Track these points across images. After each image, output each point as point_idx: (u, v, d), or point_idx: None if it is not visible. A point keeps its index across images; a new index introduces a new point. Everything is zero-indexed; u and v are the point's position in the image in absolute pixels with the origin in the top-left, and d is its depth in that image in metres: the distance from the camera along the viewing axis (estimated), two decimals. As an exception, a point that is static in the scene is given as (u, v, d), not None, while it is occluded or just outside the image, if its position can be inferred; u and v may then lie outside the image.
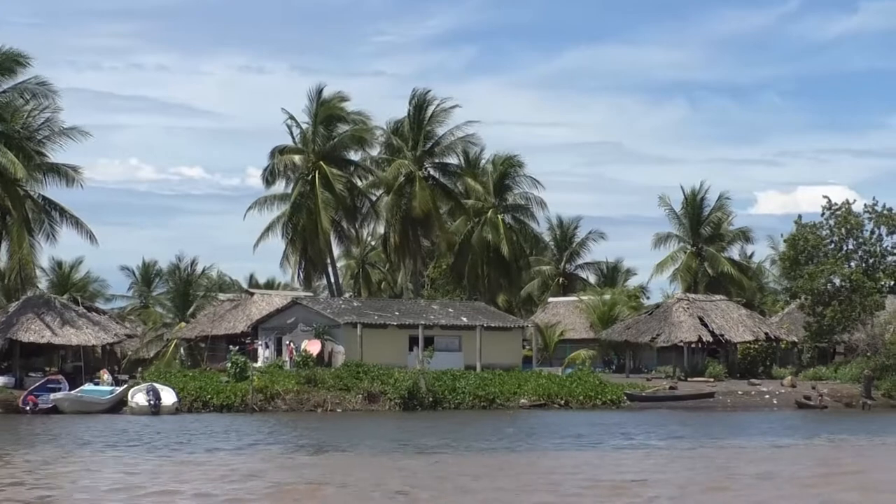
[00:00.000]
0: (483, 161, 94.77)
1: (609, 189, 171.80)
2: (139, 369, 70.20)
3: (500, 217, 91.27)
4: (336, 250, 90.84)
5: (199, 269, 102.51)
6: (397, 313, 72.34)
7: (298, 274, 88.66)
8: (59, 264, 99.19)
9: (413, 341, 69.93)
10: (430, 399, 63.48)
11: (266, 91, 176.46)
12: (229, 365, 62.93)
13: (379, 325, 70.00)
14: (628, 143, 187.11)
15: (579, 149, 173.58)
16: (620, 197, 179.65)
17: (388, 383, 63.13)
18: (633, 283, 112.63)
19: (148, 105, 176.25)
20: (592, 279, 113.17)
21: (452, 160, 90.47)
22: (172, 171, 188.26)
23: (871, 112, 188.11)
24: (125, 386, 59.97)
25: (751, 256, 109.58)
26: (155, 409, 55.98)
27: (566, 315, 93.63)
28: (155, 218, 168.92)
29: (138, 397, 56.94)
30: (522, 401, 65.69)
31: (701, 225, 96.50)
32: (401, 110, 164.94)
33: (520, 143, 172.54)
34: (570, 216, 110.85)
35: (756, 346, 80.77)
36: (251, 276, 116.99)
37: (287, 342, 70.06)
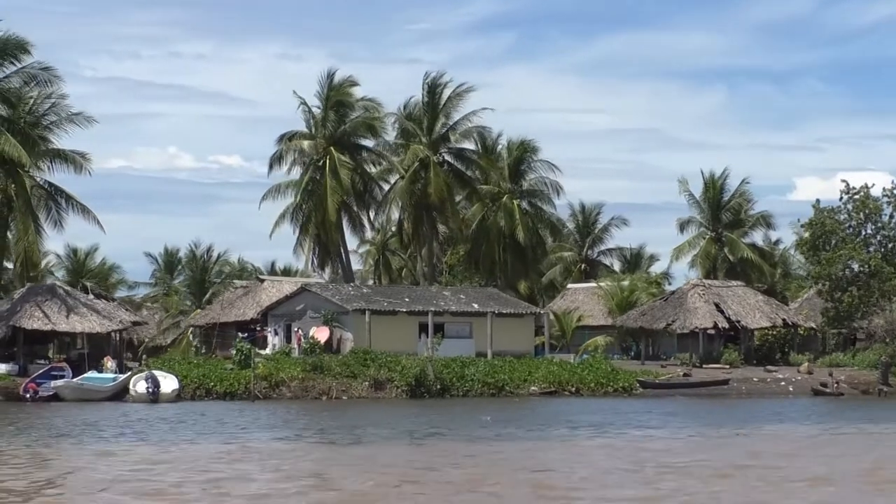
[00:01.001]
0: (500, 147, 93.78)
1: (648, 175, 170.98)
2: (143, 357, 69.69)
3: (515, 202, 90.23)
4: (351, 237, 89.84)
5: (214, 256, 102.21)
6: (407, 300, 71.54)
7: (312, 261, 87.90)
8: (74, 252, 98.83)
9: (423, 328, 69.14)
10: (438, 387, 62.74)
11: (303, 79, 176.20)
12: (234, 352, 62.29)
13: (388, 311, 69.22)
14: (668, 129, 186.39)
15: (619, 135, 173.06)
16: (659, 183, 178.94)
17: (395, 371, 62.39)
18: (656, 269, 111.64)
19: (186, 93, 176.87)
20: (616, 265, 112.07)
21: (469, 145, 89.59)
22: (211, 160, 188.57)
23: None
24: (128, 374, 59.40)
25: (776, 242, 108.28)
26: (154, 396, 55.39)
27: (585, 301, 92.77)
28: (195, 206, 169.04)
29: (139, 385, 56.36)
30: (533, 388, 64.88)
31: (721, 210, 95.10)
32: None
33: (558, 129, 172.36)
34: (593, 202, 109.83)
35: (774, 333, 79.72)
36: (272, 264, 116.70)
37: (296, 329, 69.39)
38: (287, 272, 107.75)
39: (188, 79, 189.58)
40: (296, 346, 68.09)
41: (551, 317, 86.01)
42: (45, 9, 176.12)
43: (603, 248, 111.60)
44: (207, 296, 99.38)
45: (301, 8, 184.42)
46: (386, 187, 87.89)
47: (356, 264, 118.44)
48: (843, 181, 77.08)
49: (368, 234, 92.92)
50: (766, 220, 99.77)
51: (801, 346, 79.02)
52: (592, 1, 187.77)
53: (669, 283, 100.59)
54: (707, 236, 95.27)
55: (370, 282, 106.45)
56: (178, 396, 56.99)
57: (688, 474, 29.05)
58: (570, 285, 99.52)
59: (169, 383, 56.95)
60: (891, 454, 34.94)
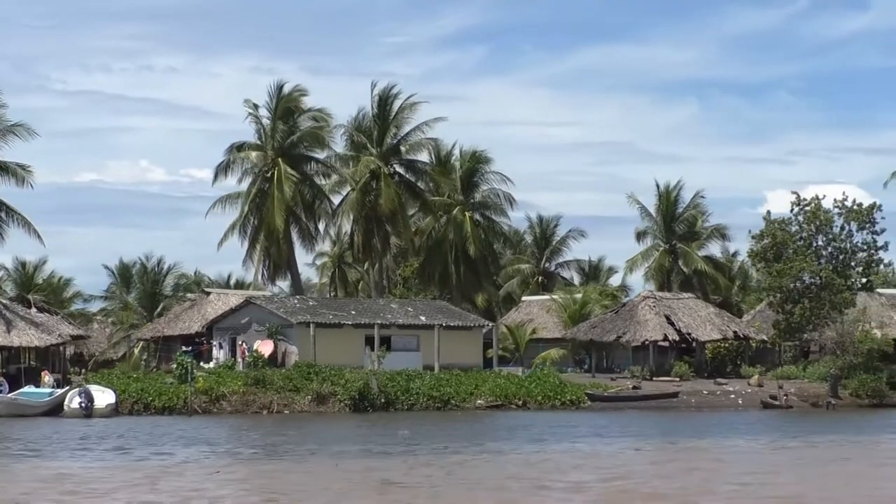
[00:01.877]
0: (453, 158, 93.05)
1: (620, 188, 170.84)
2: (84, 371, 68.60)
3: (467, 214, 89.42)
4: (303, 250, 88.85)
5: (165, 268, 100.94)
6: (353, 312, 70.74)
7: (263, 273, 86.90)
8: (23, 265, 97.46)
9: (369, 341, 68.31)
10: (382, 400, 61.92)
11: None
12: (174, 366, 61.31)
13: (333, 324, 68.42)
14: (640, 141, 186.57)
15: (590, 148, 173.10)
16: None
17: (338, 384, 61.53)
18: (615, 281, 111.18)
19: (158, 107, 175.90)
20: (576, 278, 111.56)
21: (423, 157, 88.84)
22: (183, 173, 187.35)
23: (883, 110, 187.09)
24: (65, 389, 58.31)
25: (734, 254, 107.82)
26: (87, 411, 54.38)
27: (539, 314, 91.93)
28: (166, 219, 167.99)
29: (73, 401, 55.33)
30: (479, 402, 64.18)
31: (675, 222, 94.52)
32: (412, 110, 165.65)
33: (531, 143, 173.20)
34: (552, 214, 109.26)
35: (727, 346, 79.24)
36: (229, 276, 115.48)
37: (240, 342, 68.49)
38: (240, 285, 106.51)
39: (160, 92, 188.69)
40: (240, 359, 67.18)
41: (503, 329, 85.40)
42: (16, 21, 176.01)
43: (561, 260, 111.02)
44: (159, 309, 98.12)
45: (274, 21, 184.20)
46: (338, 199, 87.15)
47: (313, 277, 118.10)
48: (794, 193, 76.70)
49: (320, 246, 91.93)
50: (720, 233, 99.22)
51: (757, 358, 78.59)
52: (565, 14, 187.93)
53: (627, 296, 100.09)
54: (661, 248, 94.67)
55: (328, 295, 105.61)
56: (114, 411, 55.96)
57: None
58: (524, 298, 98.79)
59: (105, 398, 55.94)
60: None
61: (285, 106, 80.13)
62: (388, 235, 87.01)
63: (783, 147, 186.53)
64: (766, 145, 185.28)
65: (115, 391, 57.46)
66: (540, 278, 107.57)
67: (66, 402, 55.64)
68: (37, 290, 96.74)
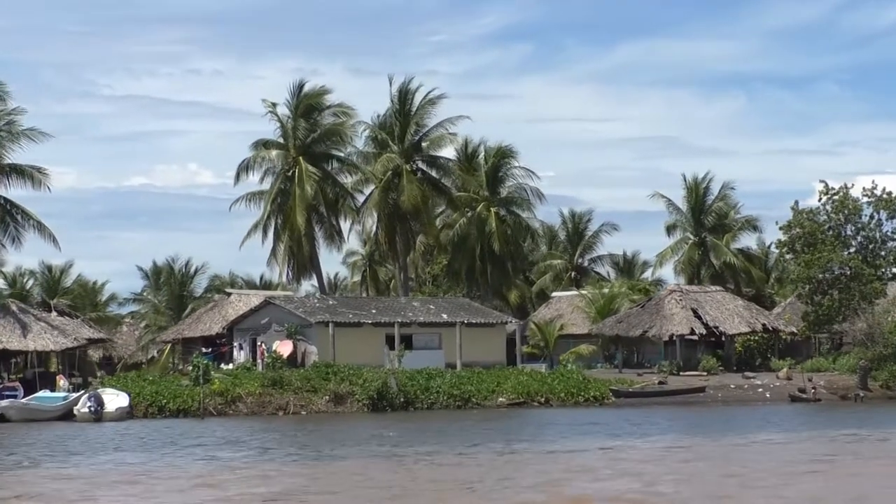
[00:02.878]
0: (479, 154, 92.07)
1: (665, 183, 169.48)
2: (99, 374, 68.14)
3: (492, 210, 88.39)
4: (329, 249, 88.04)
5: (192, 270, 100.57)
6: (374, 311, 69.95)
7: (287, 273, 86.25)
8: (49, 268, 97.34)
9: (389, 340, 67.49)
10: (402, 400, 61.05)
11: None
12: (191, 368, 60.68)
13: (353, 323, 67.64)
14: (685, 136, 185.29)
15: (635, 143, 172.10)
16: (677, 191, 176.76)
17: (356, 384, 60.73)
18: (650, 275, 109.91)
19: (205, 110, 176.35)
20: (611, 273, 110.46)
21: (447, 153, 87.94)
22: (229, 176, 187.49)
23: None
24: (80, 393, 57.73)
25: (769, 246, 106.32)
26: (97, 415, 53.79)
27: (569, 310, 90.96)
28: (214, 222, 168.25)
29: (83, 405, 54.79)
30: (500, 399, 63.28)
31: (703, 214, 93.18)
32: (455, 108, 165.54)
33: (575, 139, 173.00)
34: (583, 209, 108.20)
35: (756, 339, 77.97)
36: (261, 277, 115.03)
37: (259, 343, 67.83)
38: (267, 286, 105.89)
39: (206, 95, 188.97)
40: (259, 360, 66.53)
41: (532, 326, 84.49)
42: (61, 28, 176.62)
43: (594, 255, 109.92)
44: (187, 311, 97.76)
45: (317, 23, 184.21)
46: (363, 197, 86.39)
47: (347, 276, 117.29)
48: (822, 181, 75.39)
49: (349, 245, 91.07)
50: (752, 224, 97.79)
51: (793, 350, 77.20)
52: (608, 10, 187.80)
53: (660, 290, 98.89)
54: (690, 241, 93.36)
55: (360, 293, 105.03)
56: (128, 415, 55.37)
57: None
58: (554, 294, 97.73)
59: (117, 401, 55.35)
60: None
61: (307, 104, 79.34)
62: (413, 233, 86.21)
63: (831, 138, 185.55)
64: (814, 137, 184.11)
65: (129, 394, 56.88)
66: (573, 274, 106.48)
67: (76, 407, 55.05)
68: (64, 293, 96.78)
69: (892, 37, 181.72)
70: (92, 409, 53.97)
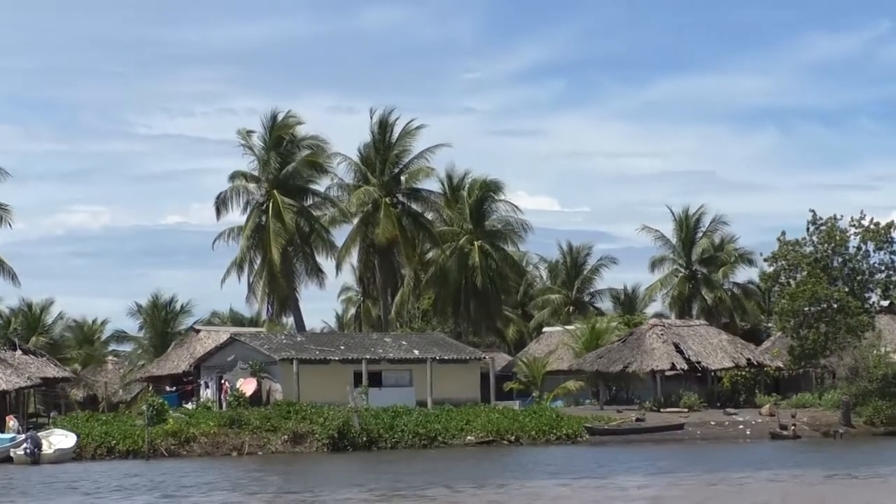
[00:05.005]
0: (465, 187, 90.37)
1: (703, 218, 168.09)
2: (53, 415, 66.28)
3: (476, 244, 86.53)
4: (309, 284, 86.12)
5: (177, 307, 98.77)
6: (343, 348, 68.08)
7: (268, 309, 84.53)
8: (29, 306, 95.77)
9: (358, 377, 65.50)
10: (364, 439, 58.96)
11: (355, 131, 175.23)
12: (145, 407, 58.78)
13: (319, 360, 65.80)
14: (720, 171, 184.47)
15: (672, 178, 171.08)
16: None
17: (316, 423, 58.72)
18: (652, 309, 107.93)
19: (239, 149, 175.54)
20: (611, 307, 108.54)
21: (431, 185, 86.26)
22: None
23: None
24: (27, 434, 55.84)
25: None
26: (33, 458, 51.95)
27: (559, 346, 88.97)
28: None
29: (20, 446, 52.96)
30: (469, 438, 61.17)
31: (694, 247, 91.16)
32: (490, 146, 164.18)
33: (611, 174, 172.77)
34: (581, 242, 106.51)
35: (744, 373, 75.70)
36: (258, 314, 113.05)
37: (223, 381, 65.99)
38: (255, 322, 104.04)
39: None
40: (223, 399, 64.71)
41: (520, 362, 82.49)
42: (97, 69, 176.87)
43: (595, 289, 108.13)
44: (170, 349, 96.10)
45: (351, 60, 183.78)
46: (344, 231, 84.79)
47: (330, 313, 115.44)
48: (811, 210, 73.21)
49: (328, 280, 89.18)
50: (745, 258, 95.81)
51: (790, 385, 74.82)
52: (641, 46, 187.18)
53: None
54: (680, 274, 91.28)
55: (354, 329, 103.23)
56: (72, 456, 53.50)
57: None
58: (545, 329, 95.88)
59: (60, 443, 53.52)
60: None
61: (279, 135, 77.82)
62: (393, 267, 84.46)
63: (866, 173, 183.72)
64: (849, 171, 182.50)
65: (78, 435, 55.06)
66: (571, 308, 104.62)
67: (12, 449, 53.21)
68: (44, 332, 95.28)
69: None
70: (28, 451, 52.11)
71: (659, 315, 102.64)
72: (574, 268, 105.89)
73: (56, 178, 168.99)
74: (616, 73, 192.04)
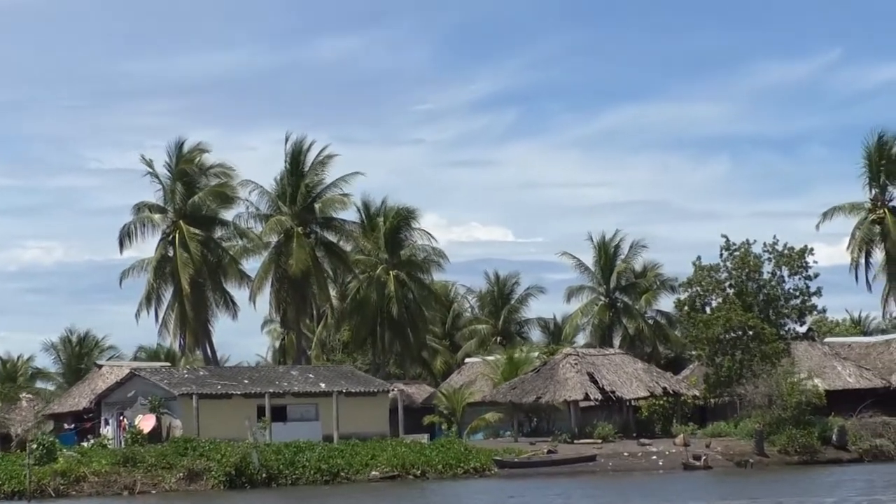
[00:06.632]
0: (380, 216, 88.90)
1: (658, 247, 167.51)
2: None
3: (391, 274, 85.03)
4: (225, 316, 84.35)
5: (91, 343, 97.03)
6: (246, 382, 66.38)
7: (180, 342, 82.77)
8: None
9: (262, 411, 63.79)
10: (263, 475, 57.17)
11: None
12: (35, 446, 56.77)
13: (221, 395, 64.07)
14: (675, 200, 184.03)
15: (625, 207, 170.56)
16: (669, 255, 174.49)
17: (213, 459, 56.88)
18: (582, 339, 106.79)
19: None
20: (540, 337, 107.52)
21: (346, 214, 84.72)
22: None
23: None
24: None
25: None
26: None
27: (480, 377, 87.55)
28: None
29: None
30: (373, 473, 59.49)
31: (613, 275, 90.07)
32: (442, 177, 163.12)
33: (565, 203, 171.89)
34: (508, 271, 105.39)
35: (662, 402, 74.43)
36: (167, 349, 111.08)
37: (121, 418, 64.11)
38: (171, 357, 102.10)
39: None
40: (121, 436, 62.83)
41: (439, 394, 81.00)
42: (52, 103, 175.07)
43: (523, 318, 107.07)
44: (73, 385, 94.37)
45: (304, 92, 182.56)
46: (258, 262, 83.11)
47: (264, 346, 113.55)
48: (724, 236, 72.22)
49: (241, 311, 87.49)
50: (669, 285, 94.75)
51: (716, 414, 73.62)
52: (594, 75, 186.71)
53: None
54: (600, 303, 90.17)
55: (278, 362, 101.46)
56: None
57: None
58: (467, 360, 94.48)
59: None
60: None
61: (184, 164, 76.16)
62: (307, 299, 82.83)
63: (819, 200, 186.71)
64: (802, 199, 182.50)
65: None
66: (498, 338, 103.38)
67: None
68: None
69: (878, 98, 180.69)
70: None
71: (588, 345, 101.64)
72: (501, 298, 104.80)
73: (8, 213, 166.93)
74: (569, 103, 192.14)
